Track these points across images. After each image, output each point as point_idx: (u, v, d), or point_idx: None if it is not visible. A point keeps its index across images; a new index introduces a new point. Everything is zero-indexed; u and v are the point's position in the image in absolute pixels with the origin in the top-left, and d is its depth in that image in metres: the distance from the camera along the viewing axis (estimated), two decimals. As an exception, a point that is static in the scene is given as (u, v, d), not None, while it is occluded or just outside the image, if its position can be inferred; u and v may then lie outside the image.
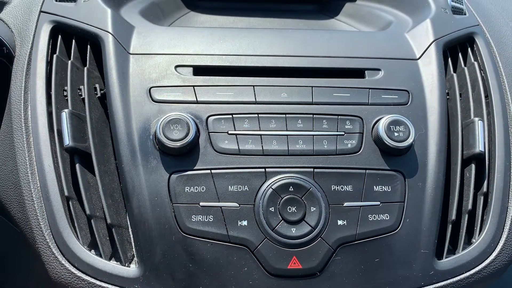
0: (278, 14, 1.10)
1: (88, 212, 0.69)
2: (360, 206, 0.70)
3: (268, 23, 1.06)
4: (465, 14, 0.94)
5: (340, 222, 0.69)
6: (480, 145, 0.77)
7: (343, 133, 0.74)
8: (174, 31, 0.85)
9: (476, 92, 0.84)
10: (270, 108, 0.75)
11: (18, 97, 0.77)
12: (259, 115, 0.74)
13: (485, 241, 0.74)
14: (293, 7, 1.15)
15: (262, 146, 0.72)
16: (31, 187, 0.71)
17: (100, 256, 0.68)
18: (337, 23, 1.08)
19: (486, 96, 0.83)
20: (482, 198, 0.76)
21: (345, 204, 0.70)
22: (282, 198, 0.69)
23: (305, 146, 0.72)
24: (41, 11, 0.85)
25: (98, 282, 0.67)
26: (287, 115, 0.74)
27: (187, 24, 1.04)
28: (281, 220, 0.68)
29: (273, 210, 0.68)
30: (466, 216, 0.75)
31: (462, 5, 0.96)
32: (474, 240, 0.74)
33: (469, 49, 0.89)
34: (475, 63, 0.86)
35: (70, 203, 0.70)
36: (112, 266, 0.67)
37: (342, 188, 0.70)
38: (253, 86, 0.76)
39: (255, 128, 0.73)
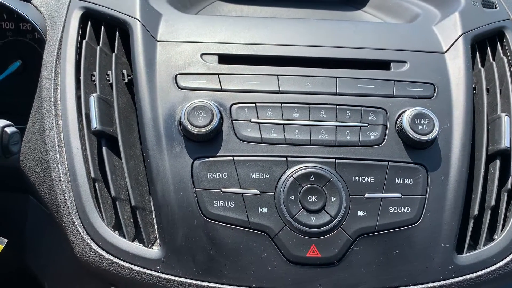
0: (304, 4, 1.10)
1: (113, 194, 0.71)
2: (381, 198, 0.70)
3: (294, 13, 1.06)
4: (495, 8, 0.93)
5: (360, 213, 0.69)
6: (506, 141, 0.76)
7: (367, 124, 0.74)
8: (200, 19, 0.86)
9: (504, 87, 0.82)
10: (294, 97, 0.75)
11: (48, 81, 0.79)
12: (282, 104, 0.74)
13: (507, 238, 0.73)
14: None
15: (284, 135, 0.72)
16: (59, 168, 0.73)
17: (124, 237, 0.70)
18: (363, 14, 1.07)
19: None
20: (506, 194, 0.75)
21: (366, 195, 0.70)
22: (302, 187, 0.69)
23: (328, 136, 0.72)
24: None
25: (121, 262, 0.68)
26: (310, 105, 0.74)
27: (214, 13, 1.05)
28: (301, 209, 0.68)
29: (293, 199, 0.69)
30: (489, 212, 0.74)
31: (493, -2, 0.94)
32: (496, 237, 0.73)
33: (498, 43, 0.87)
34: (504, 57, 0.84)
35: (96, 185, 0.72)
36: (135, 247, 0.69)
37: (363, 179, 0.70)
38: (277, 75, 0.77)
39: (278, 117, 0.73)
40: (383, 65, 0.80)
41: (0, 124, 0.61)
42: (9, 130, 0.61)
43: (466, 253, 0.72)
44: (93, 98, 0.75)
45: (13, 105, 1.02)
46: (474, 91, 0.82)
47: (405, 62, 0.80)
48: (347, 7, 1.12)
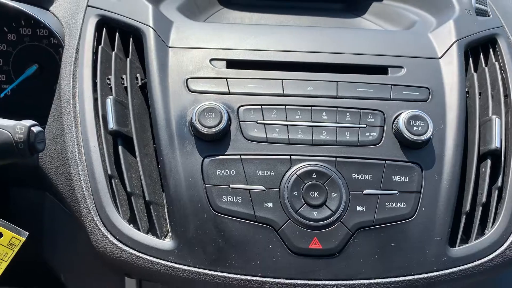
0: (307, 12, 1.15)
1: (128, 189, 0.76)
2: (379, 194, 0.75)
3: (297, 20, 1.11)
4: (488, 16, 0.97)
5: (359, 208, 0.74)
6: (496, 142, 0.80)
7: (365, 125, 0.78)
8: (209, 27, 0.91)
9: (495, 91, 0.87)
10: (297, 100, 0.80)
11: (67, 84, 0.85)
12: (286, 106, 0.79)
13: (497, 232, 0.77)
14: (322, 5, 1.20)
15: (288, 135, 0.77)
16: (78, 165, 0.78)
17: (139, 230, 0.75)
18: (363, 21, 1.12)
19: (506, 96, 0.86)
20: (496, 192, 0.80)
21: (365, 191, 0.75)
22: (305, 184, 0.74)
23: (329, 136, 0.77)
24: (87, 5, 0.92)
25: (136, 253, 0.73)
26: (312, 107, 0.79)
27: (221, 20, 1.10)
28: (304, 204, 0.73)
29: (296, 194, 0.74)
30: (480, 208, 0.79)
31: (486, 6, 0.99)
32: (487, 231, 0.78)
33: (491, 50, 0.92)
34: (496, 63, 0.89)
35: (112, 181, 0.77)
36: (150, 239, 0.74)
37: (362, 176, 0.75)
38: (282, 79, 0.82)
39: (282, 119, 0.78)
40: (381, 70, 0.85)
41: (27, 123, 0.66)
42: (35, 129, 0.66)
43: (459, 246, 0.77)
44: (109, 100, 0.80)
45: (30, 107, 1.07)
46: (467, 95, 0.87)
47: (401, 67, 0.85)
48: (348, 14, 1.17)
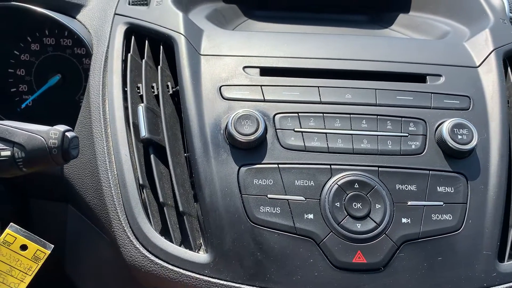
0: (331, 23, 1.13)
1: (161, 200, 0.73)
2: (424, 205, 0.71)
3: (323, 31, 1.10)
4: (523, 25, 0.96)
5: (404, 220, 0.70)
6: None
7: (407, 134, 0.76)
8: (240, 35, 0.90)
9: None
10: (335, 108, 0.77)
11: (96, 91, 0.82)
12: (324, 114, 0.77)
13: None
14: (346, 17, 1.18)
15: (327, 143, 0.74)
16: (109, 175, 0.75)
17: (172, 242, 0.71)
18: (391, 32, 1.10)
19: None
20: None
21: (409, 203, 0.71)
22: (347, 194, 0.71)
23: (370, 145, 0.74)
24: (115, 14, 0.91)
25: (170, 266, 0.70)
26: (351, 115, 0.77)
27: (250, 30, 1.08)
28: (346, 215, 0.70)
29: (338, 206, 0.70)
30: None
31: (520, 16, 0.98)
32: None
33: None
34: None
35: (144, 191, 0.74)
36: (184, 252, 0.70)
37: (406, 187, 0.72)
38: (318, 87, 0.79)
39: (320, 127, 0.76)
40: (419, 78, 0.83)
41: (61, 129, 0.63)
42: (69, 134, 0.64)
43: (507, 261, 0.73)
44: (141, 108, 0.77)
45: (50, 117, 1.05)
46: (508, 104, 0.84)
47: (440, 75, 0.83)
48: (374, 26, 1.15)
